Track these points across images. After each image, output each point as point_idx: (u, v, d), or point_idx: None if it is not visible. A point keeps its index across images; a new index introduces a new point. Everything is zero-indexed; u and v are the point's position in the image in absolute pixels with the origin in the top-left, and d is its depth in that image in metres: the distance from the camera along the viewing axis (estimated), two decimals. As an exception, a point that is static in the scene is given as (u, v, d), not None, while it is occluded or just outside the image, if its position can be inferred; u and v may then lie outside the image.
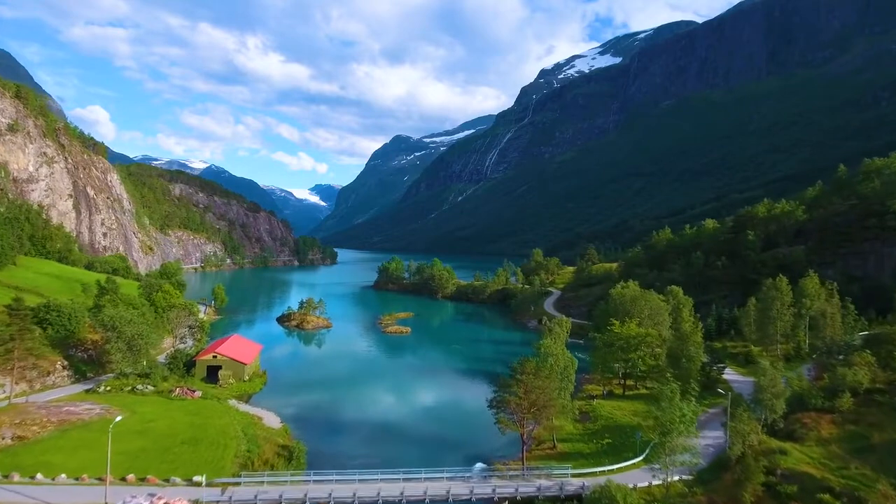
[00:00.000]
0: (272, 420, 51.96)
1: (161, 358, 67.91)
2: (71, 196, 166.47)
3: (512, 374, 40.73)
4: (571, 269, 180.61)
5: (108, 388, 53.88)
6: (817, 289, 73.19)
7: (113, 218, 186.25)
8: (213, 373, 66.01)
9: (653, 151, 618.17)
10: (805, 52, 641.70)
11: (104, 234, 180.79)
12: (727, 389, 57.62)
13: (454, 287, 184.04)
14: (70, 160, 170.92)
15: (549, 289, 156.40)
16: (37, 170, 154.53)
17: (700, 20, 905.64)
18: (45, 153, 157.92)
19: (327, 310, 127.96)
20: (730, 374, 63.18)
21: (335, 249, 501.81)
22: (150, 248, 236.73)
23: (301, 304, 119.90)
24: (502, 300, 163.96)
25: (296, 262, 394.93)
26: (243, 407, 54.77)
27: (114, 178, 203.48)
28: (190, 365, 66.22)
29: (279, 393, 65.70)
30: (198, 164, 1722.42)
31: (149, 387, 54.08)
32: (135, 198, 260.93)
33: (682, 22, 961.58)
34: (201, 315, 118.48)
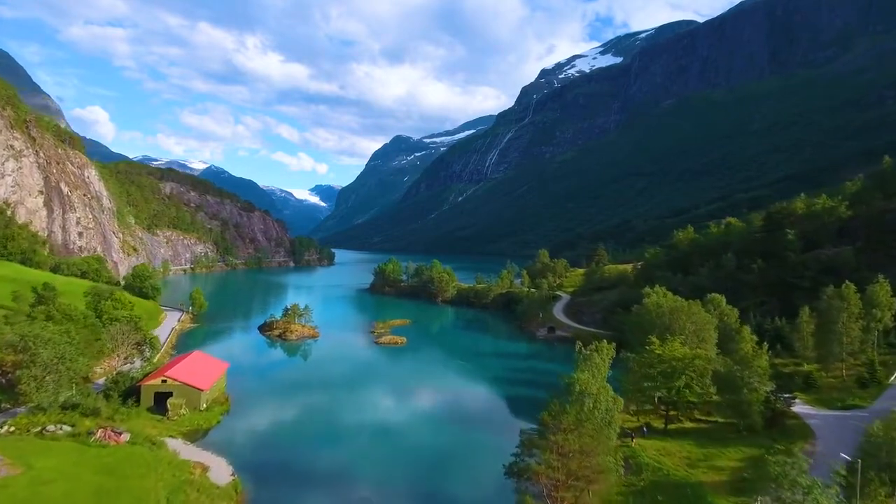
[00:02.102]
0: (220, 471, 40.13)
1: (99, 382, 56.06)
2: (42, 193, 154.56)
3: (541, 430, 28.87)
4: (580, 270, 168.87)
5: (12, 429, 42.01)
6: (888, 297, 61.66)
7: (90, 216, 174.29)
8: (162, 401, 54.19)
9: (654, 151, 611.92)
10: (807, 51, 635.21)
11: (80, 234, 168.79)
12: (803, 430, 45.88)
13: (455, 290, 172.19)
14: (42, 154, 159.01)
15: (558, 293, 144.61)
16: (2, 164, 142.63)
17: (701, 20, 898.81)
18: (12, 146, 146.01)
19: (316, 316, 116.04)
20: (797, 406, 51.25)
21: (334, 250, 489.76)
22: (134, 249, 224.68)
23: (285, 310, 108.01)
24: (506, 305, 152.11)
25: (291, 263, 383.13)
26: (187, 452, 42.88)
27: (92, 174, 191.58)
28: (134, 392, 54.38)
29: (241, 426, 53.80)
30: (198, 165, 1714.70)
31: (64, 427, 42.23)
32: (119, 196, 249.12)
33: (682, 21, 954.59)
34: (174, 324, 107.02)
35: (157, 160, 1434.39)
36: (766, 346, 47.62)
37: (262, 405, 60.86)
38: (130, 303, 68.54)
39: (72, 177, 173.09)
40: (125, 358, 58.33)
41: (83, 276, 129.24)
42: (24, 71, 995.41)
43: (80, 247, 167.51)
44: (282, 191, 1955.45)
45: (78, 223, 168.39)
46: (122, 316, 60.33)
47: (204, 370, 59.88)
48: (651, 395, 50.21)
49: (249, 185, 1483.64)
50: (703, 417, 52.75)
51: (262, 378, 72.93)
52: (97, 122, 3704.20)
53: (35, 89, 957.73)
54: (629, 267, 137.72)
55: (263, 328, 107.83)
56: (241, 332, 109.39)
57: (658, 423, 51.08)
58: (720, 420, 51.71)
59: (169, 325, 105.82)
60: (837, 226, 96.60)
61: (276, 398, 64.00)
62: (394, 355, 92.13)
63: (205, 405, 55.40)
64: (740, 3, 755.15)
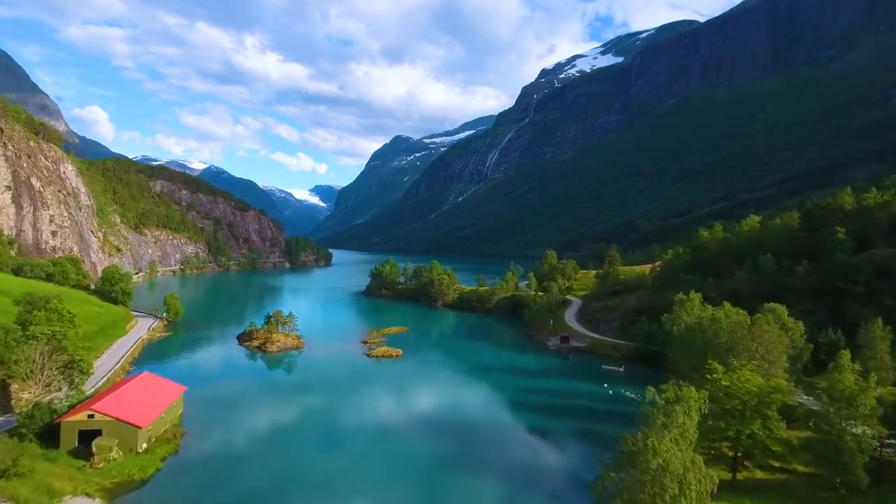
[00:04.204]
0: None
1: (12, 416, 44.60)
2: (9, 188, 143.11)
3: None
4: (591, 272, 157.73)
5: None
6: None
7: (65, 214, 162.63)
8: (91, 440, 42.73)
9: (655, 151, 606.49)
10: (810, 50, 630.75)
11: (53, 233, 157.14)
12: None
13: (456, 294, 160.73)
14: (10, 147, 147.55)
15: (568, 297, 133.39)
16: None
17: (701, 19, 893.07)
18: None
19: (303, 323, 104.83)
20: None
21: (333, 250, 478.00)
22: (118, 249, 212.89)
23: (267, 318, 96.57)
24: (512, 309, 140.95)
25: (287, 264, 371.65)
26: (97, 524, 31.54)
27: (68, 169, 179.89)
28: (52, 430, 42.89)
29: (189, 474, 42.21)
30: (197, 165, 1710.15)
31: (-75, 492, 31.09)
32: (104, 194, 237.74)
33: (684, 21, 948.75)
34: (142, 333, 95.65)
35: (156, 160, 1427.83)
36: (873, 378, 36.42)
37: (221, 442, 49.22)
38: (70, 313, 57.28)
39: (45, 171, 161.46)
40: (47, 386, 46.97)
41: (48, 278, 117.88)
42: (23, 70, 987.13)
43: (54, 247, 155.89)
44: (281, 191, 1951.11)
45: (51, 221, 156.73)
46: (41, 333, 48.95)
47: (149, 398, 48.40)
48: (712, 438, 38.88)
49: (249, 186, 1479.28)
50: (777, 464, 41.39)
51: (228, 403, 61.29)
52: (96, 122, 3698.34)
53: (34, 89, 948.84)
54: (646, 269, 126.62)
55: (243, 338, 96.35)
56: (217, 343, 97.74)
57: (721, 472, 39.60)
58: (799, 468, 40.45)
59: (136, 334, 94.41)
60: (889, 223, 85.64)
61: (240, 431, 52.28)
62: (387, 371, 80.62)
63: (144, 445, 43.94)
64: (742, 2, 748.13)
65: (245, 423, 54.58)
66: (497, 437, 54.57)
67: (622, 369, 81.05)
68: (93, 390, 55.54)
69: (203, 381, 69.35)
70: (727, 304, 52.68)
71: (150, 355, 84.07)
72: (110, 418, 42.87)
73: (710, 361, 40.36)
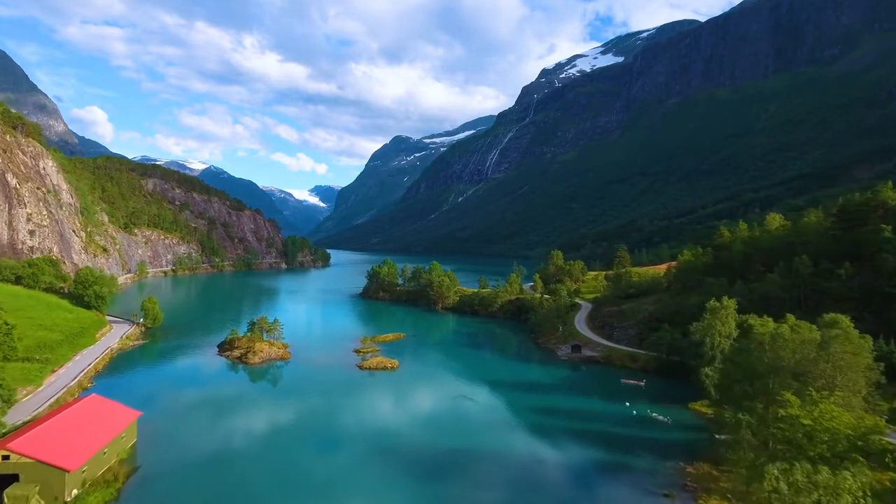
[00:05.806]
0: None
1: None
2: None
3: None
4: (600, 274, 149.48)
5: None
6: None
7: (44, 212, 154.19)
8: (5, 487, 34.39)
9: (657, 151, 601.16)
10: (813, 49, 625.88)
11: (31, 233, 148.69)
12: None
13: (457, 296, 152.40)
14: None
15: (576, 300, 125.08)
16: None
17: (701, 19, 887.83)
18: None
19: (292, 330, 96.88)
20: None
21: (333, 251, 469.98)
22: (104, 250, 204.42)
23: (251, 325, 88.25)
24: (516, 313, 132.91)
25: (283, 265, 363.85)
26: None
27: (48, 166, 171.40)
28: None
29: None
30: (197, 165, 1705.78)
31: None
32: (91, 192, 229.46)
33: (684, 21, 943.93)
34: (113, 342, 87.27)
35: (156, 160, 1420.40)
36: None
37: (176, 482, 40.48)
38: (8, 324, 49.06)
39: (22, 167, 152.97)
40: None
41: (17, 281, 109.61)
42: (22, 70, 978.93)
43: (32, 247, 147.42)
44: (281, 191, 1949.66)
45: (29, 220, 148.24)
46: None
47: (87, 430, 39.97)
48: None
49: (249, 186, 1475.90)
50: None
51: (195, 429, 52.73)
52: (96, 122, 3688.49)
53: (32, 89, 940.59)
54: (661, 269, 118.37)
55: (223, 347, 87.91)
56: (196, 352, 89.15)
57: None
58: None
59: (106, 343, 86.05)
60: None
61: (203, 467, 43.45)
62: (380, 387, 72.13)
63: (75, 491, 35.58)
64: (743, 1, 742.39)
65: (211, 456, 45.90)
66: (505, 473, 46.12)
67: (643, 383, 72.75)
68: (31, 416, 47.24)
69: (170, 401, 61.15)
70: (791, 317, 43.94)
71: (118, 368, 75.74)
72: (30, 460, 34.50)
73: (782, 392, 32.01)
